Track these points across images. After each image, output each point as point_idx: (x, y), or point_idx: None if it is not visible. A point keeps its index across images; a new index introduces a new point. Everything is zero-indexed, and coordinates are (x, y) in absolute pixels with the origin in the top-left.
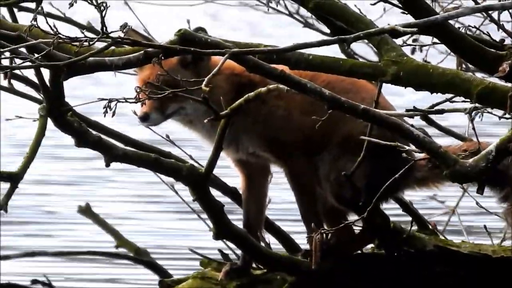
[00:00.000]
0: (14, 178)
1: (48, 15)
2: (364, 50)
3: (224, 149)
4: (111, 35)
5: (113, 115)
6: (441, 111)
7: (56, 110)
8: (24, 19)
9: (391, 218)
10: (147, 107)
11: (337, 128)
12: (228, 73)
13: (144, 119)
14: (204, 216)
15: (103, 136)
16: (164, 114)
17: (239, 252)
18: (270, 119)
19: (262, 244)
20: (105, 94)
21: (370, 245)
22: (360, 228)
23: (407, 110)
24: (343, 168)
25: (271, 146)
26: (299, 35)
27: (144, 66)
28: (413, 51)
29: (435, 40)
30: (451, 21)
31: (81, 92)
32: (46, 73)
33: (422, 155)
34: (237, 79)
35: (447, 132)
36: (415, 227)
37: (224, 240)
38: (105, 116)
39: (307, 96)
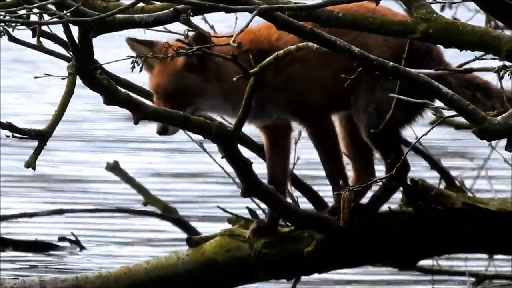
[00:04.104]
0: (42, 136)
1: None
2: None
3: (249, 121)
4: None
5: (141, 70)
6: (470, 70)
7: (85, 68)
8: None
9: (419, 176)
10: None
11: None
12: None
13: (163, 132)
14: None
15: (132, 94)
16: None
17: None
18: (291, 84)
19: (290, 201)
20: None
21: (398, 203)
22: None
23: (436, 69)
24: (381, 98)
25: (295, 109)
26: None
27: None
28: (442, 9)
29: None
30: None
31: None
32: (75, 30)
33: None
34: (247, 55)
35: None
36: (443, 185)
37: (252, 197)
38: (132, 71)
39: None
